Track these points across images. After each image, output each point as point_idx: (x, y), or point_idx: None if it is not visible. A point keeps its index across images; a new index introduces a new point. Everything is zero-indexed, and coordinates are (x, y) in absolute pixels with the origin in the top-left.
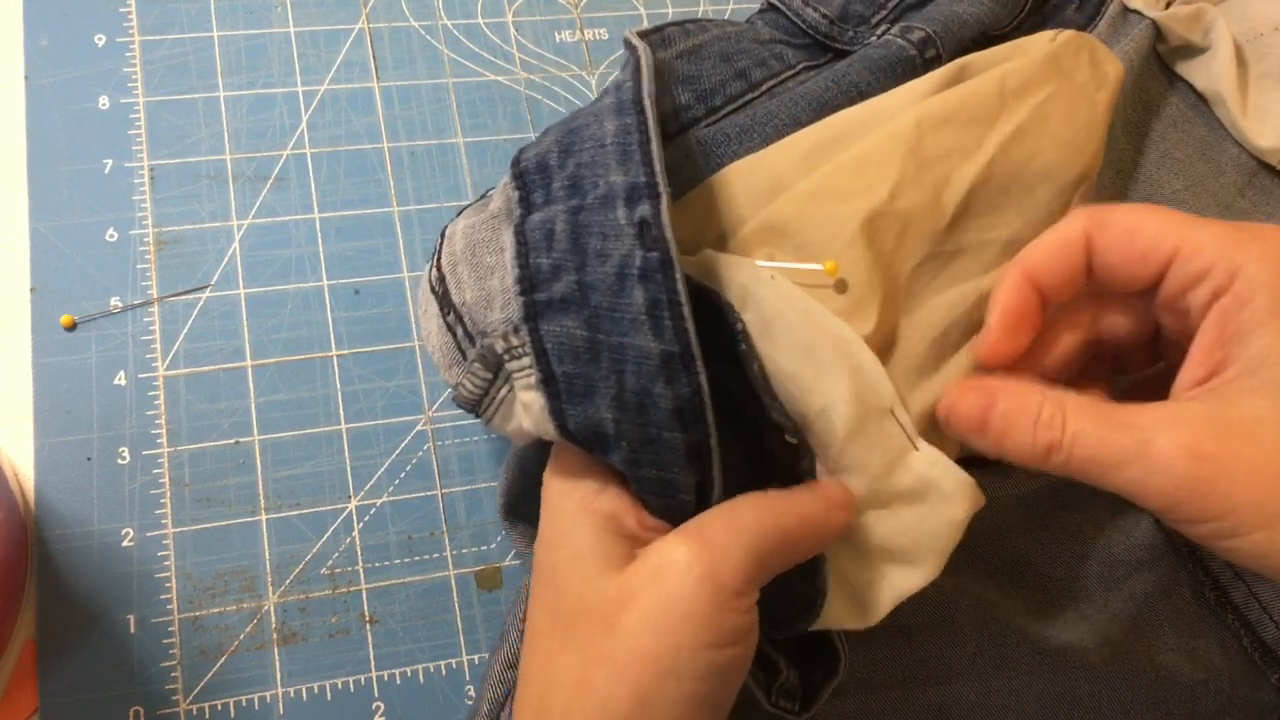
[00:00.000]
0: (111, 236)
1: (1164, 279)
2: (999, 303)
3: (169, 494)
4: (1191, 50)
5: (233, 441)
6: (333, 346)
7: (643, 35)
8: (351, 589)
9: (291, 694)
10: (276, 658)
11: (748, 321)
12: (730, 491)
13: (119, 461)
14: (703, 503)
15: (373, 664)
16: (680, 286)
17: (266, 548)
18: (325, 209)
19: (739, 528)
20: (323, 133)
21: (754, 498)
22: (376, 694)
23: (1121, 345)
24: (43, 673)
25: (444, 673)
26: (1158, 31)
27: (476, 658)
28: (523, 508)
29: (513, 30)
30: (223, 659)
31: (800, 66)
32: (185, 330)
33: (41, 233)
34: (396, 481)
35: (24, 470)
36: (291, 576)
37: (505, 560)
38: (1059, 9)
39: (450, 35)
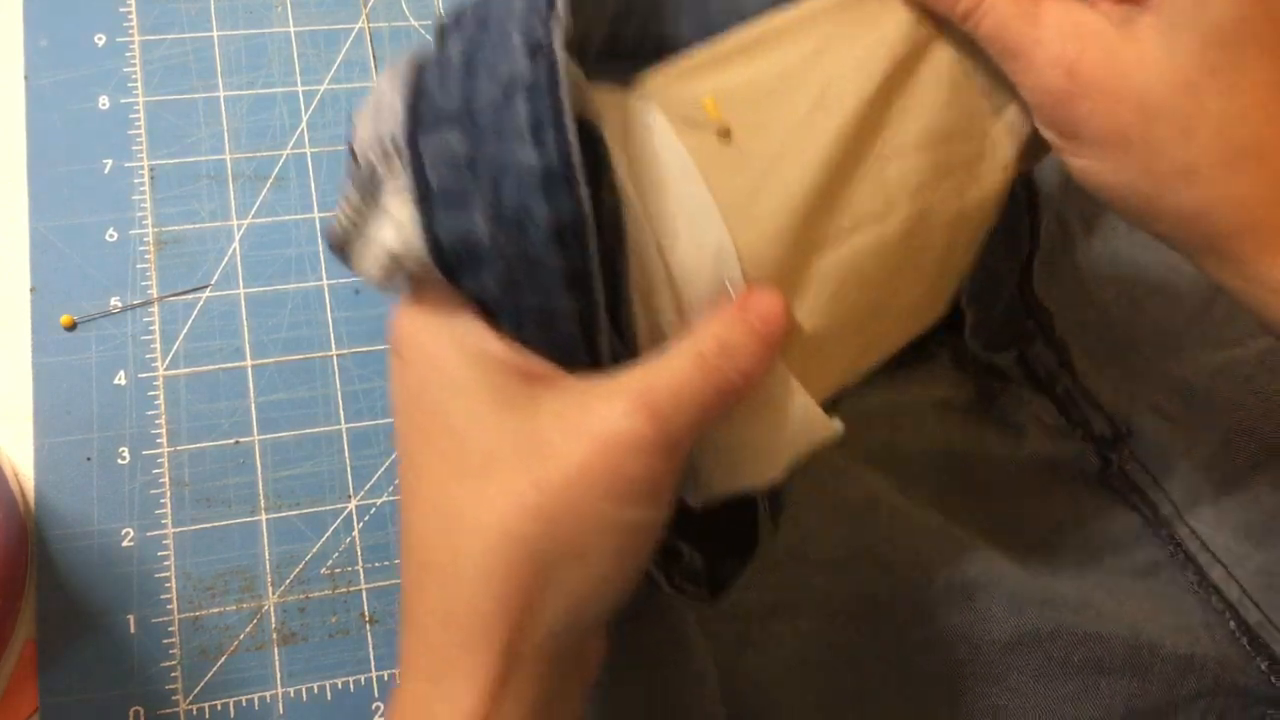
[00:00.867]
0: (111, 236)
1: None
2: None
3: (169, 494)
4: None
5: (233, 441)
6: (333, 346)
7: None
8: (351, 589)
9: (291, 694)
10: (276, 658)
11: (617, 163)
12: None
13: (119, 461)
14: (588, 335)
15: (373, 664)
16: (566, 104)
17: (266, 548)
18: (325, 209)
19: (685, 396)
20: (323, 133)
21: (690, 355)
22: (376, 694)
23: None
24: (43, 673)
25: None
26: None
27: None
28: None
29: None
30: (223, 659)
31: None
32: (185, 330)
33: (41, 232)
34: (396, 481)
35: (24, 470)
36: (291, 576)
37: None
38: None
39: None
